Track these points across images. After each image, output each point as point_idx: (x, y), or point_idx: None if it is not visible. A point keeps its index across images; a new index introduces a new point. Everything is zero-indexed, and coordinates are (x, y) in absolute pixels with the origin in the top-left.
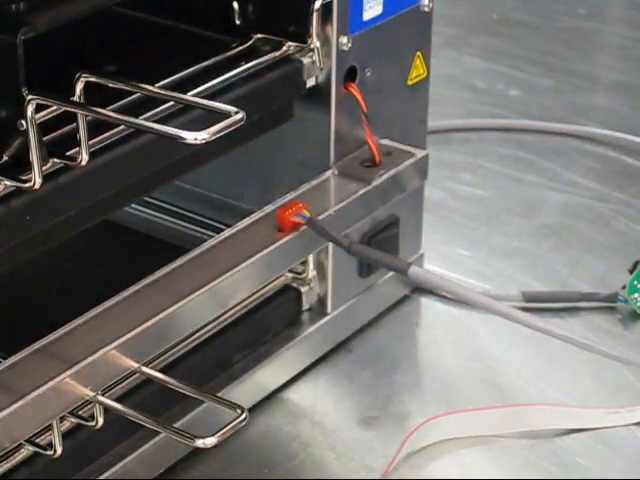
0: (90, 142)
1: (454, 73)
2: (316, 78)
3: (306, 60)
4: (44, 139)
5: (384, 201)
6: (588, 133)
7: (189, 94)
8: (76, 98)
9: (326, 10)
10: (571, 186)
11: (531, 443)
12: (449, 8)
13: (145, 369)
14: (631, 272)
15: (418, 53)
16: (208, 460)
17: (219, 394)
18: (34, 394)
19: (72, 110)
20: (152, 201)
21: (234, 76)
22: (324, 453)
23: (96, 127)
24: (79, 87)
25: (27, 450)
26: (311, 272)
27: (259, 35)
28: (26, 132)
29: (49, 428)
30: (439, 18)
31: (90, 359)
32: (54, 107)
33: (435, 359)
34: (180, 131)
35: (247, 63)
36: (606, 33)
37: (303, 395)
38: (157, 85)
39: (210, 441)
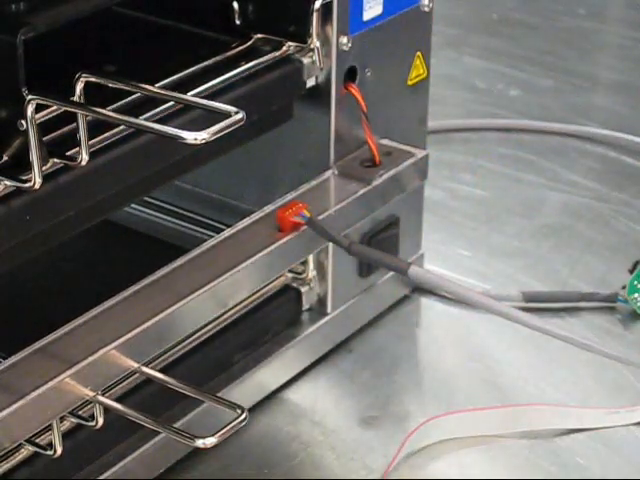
0: (90, 142)
1: (454, 73)
2: (316, 78)
3: (306, 60)
4: (44, 139)
5: (384, 201)
6: (588, 133)
7: (189, 94)
8: (76, 98)
9: (326, 10)
10: (571, 186)
11: (531, 443)
12: (449, 8)
13: (145, 369)
14: (631, 272)
15: (418, 53)
16: (208, 460)
17: (219, 394)
18: (34, 394)
19: (72, 110)
20: (152, 201)
21: (234, 76)
22: (324, 453)
23: (96, 127)
24: (79, 87)
25: (27, 450)
26: (311, 272)
27: (259, 35)
28: (26, 132)
29: (49, 428)
30: (439, 18)
31: (90, 359)
32: (54, 107)
33: (435, 359)
34: (180, 131)
35: (247, 63)
36: (606, 33)
37: (303, 395)
38: (157, 85)
39: (210, 441)
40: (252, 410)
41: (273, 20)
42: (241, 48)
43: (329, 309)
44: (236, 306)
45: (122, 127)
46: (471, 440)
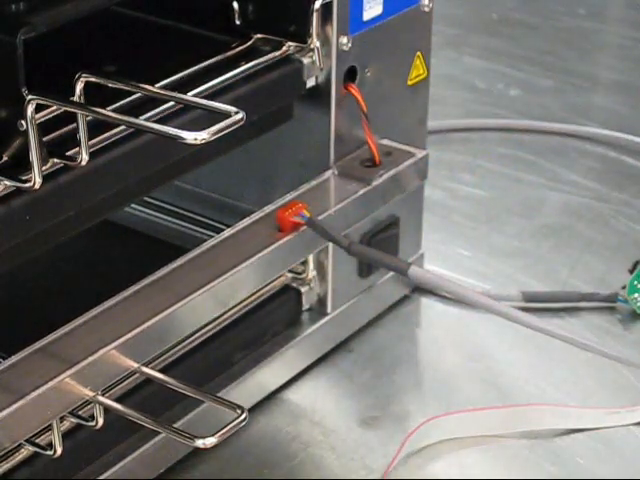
0: (90, 142)
1: (454, 73)
2: (316, 78)
3: (306, 60)
4: (44, 139)
5: (384, 201)
6: (588, 133)
7: (189, 94)
8: (76, 98)
9: (326, 10)
10: (571, 186)
11: (531, 443)
12: (449, 8)
13: (145, 369)
14: (631, 272)
15: (418, 53)
16: (208, 460)
17: (219, 394)
18: (34, 394)
19: (72, 110)
20: (152, 201)
21: (234, 76)
22: (324, 453)
23: (96, 127)
24: (79, 87)
25: (27, 450)
26: (311, 272)
27: (259, 35)
28: (26, 132)
29: (49, 428)
30: (439, 18)
31: (90, 359)
32: (54, 107)
33: (435, 359)
34: (180, 131)
35: (247, 63)
36: (606, 33)
37: (303, 395)
38: (157, 85)
39: (210, 441)
40: (252, 410)
41: (273, 20)
42: (241, 48)
43: (329, 309)
44: (236, 306)
45: (122, 127)
46: (471, 440)
